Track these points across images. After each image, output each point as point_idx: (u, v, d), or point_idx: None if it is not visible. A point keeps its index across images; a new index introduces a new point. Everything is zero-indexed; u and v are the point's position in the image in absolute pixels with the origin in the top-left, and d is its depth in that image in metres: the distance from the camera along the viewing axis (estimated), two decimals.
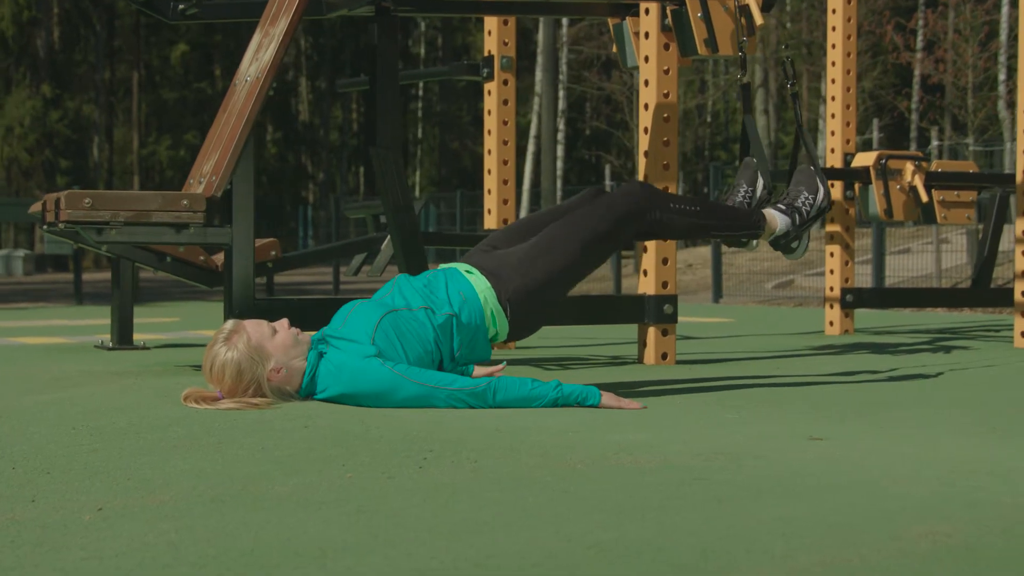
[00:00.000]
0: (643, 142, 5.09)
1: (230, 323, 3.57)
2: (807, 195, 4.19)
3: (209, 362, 3.51)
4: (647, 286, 5.09)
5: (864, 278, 13.10)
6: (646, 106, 5.08)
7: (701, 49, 4.84)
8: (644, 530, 2.01)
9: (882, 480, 2.42)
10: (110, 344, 5.33)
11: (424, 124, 46.81)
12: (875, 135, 17.61)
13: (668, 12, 4.96)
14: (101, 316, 9.51)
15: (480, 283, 3.70)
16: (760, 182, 4.34)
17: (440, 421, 3.26)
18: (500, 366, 4.01)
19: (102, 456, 2.79)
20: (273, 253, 5.76)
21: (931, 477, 2.45)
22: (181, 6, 5.06)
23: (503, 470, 2.59)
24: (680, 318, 9.59)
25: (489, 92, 6.12)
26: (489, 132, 6.14)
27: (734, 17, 4.82)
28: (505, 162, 6.12)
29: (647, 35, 5.07)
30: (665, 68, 5.05)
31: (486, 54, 6.14)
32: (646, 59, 5.09)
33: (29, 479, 2.55)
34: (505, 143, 6.12)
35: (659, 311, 5.05)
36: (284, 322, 3.60)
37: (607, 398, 3.58)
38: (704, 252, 19.58)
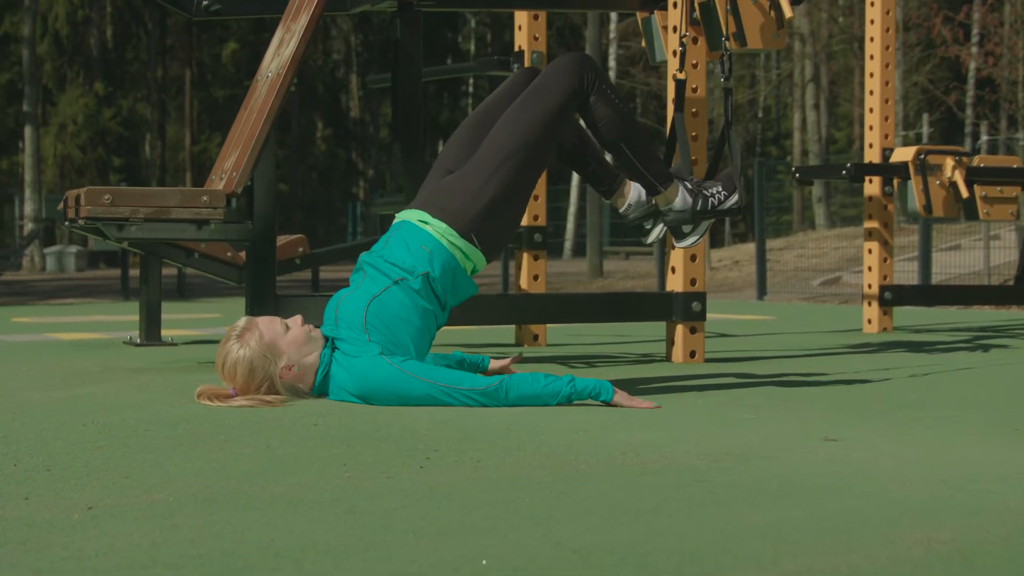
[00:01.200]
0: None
1: (243, 320, 3.56)
2: (720, 190, 3.99)
3: (221, 359, 3.50)
4: (675, 283, 5.03)
5: (911, 275, 12.95)
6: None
7: (730, 43, 4.76)
8: (633, 534, 1.97)
9: (888, 483, 2.36)
10: (138, 340, 5.35)
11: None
12: (925, 130, 17.39)
13: (696, 6, 4.90)
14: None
15: (437, 227, 3.60)
16: (734, 198, 4.10)
17: (450, 420, 3.23)
18: (513, 358, 3.97)
19: (105, 454, 2.78)
20: (300, 250, 5.76)
21: (939, 480, 2.39)
22: (204, 2, 5.05)
23: (504, 470, 2.55)
24: (719, 315, 9.56)
25: None
26: None
27: (762, 10, 4.75)
28: None
29: (675, 29, 5.01)
30: (694, 62, 4.99)
31: (516, 49, 6.09)
32: (674, 54, 5.03)
33: (28, 476, 2.54)
34: None
35: (687, 308, 5.00)
36: (298, 319, 3.58)
37: (620, 396, 3.52)
38: (750, 249, 19.43)
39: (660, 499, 2.23)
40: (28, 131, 29.81)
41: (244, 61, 40.45)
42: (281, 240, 5.82)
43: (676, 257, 5.02)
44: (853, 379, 4.43)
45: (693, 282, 5.02)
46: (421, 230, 3.62)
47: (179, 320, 8.31)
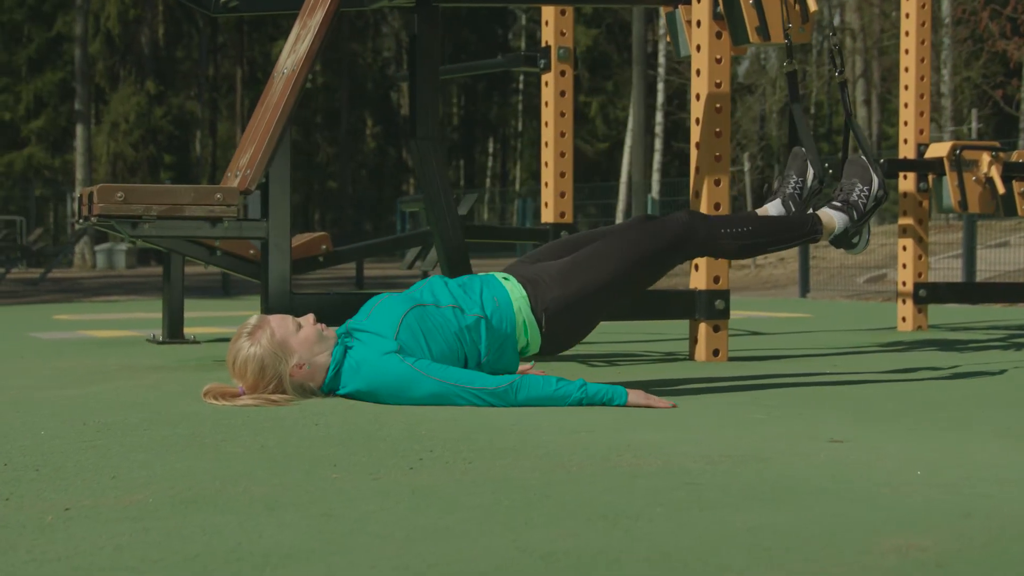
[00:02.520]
0: (695, 133, 4.96)
1: (255, 318, 3.54)
2: (861, 187, 4.05)
3: (232, 357, 3.48)
4: (698, 281, 4.97)
5: (955, 272, 12.78)
6: (698, 96, 4.95)
7: (752, 37, 4.71)
8: (608, 539, 1.92)
9: (883, 487, 2.30)
10: (160, 338, 5.35)
11: (524, 118, 46.78)
12: (974, 125, 17.16)
13: (720, 0, 4.83)
14: (187, 309, 9.58)
15: (516, 291, 3.63)
16: (811, 172, 4.21)
17: (454, 419, 3.19)
18: (529, 364, 3.93)
19: (98, 453, 2.76)
20: (324, 247, 5.73)
21: (938, 483, 2.32)
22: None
23: (493, 472, 2.51)
24: (756, 313, 9.46)
25: (546, 83, 6.03)
26: (546, 124, 6.04)
27: (788, 4, 4.68)
28: (562, 154, 6.02)
29: (699, 23, 4.94)
30: (717, 57, 4.92)
31: (543, 44, 6.04)
32: (698, 48, 4.96)
33: (15, 476, 2.52)
34: (562, 135, 6.03)
35: (710, 306, 4.93)
36: (310, 317, 3.56)
37: (635, 396, 3.48)
38: None
39: (645, 503, 2.18)
40: (80, 129, 30.09)
41: None
42: (304, 238, 5.80)
43: None
44: (875, 379, 4.35)
45: (716, 279, 4.95)
46: (500, 284, 3.65)
47: (213, 318, 8.32)
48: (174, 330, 5.28)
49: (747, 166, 20.37)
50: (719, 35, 4.91)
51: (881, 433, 3.02)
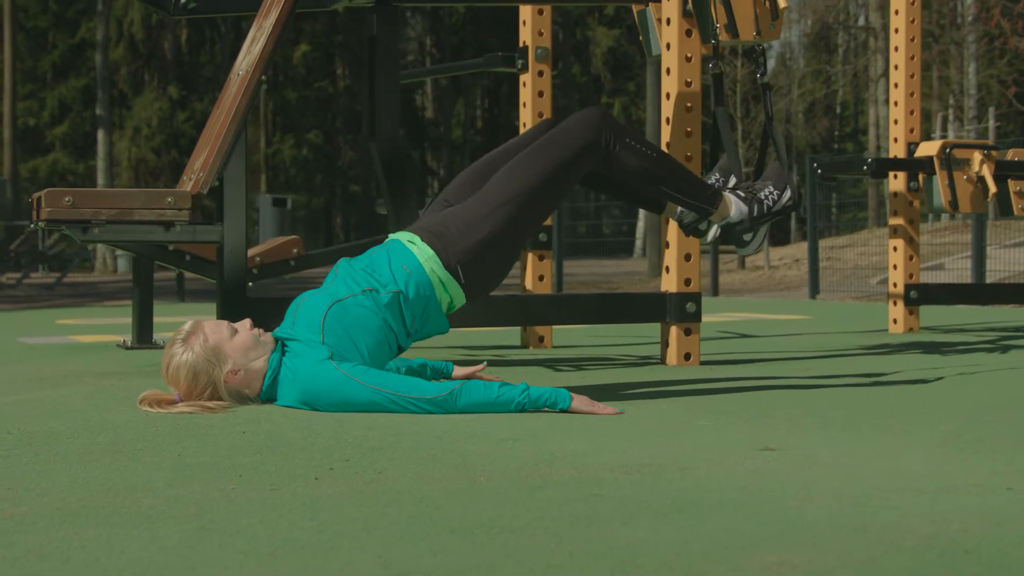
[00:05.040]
0: (665, 132, 4.87)
1: (189, 323, 3.47)
2: (772, 189, 3.87)
3: (166, 363, 3.42)
4: (669, 283, 4.87)
5: (965, 273, 12.63)
6: (668, 95, 4.86)
7: (722, 35, 4.61)
8: (475, 555, 1.84)
9: (792, 499, 2.21)
10: (129, 343, 5.30)
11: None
12: (991, 124, 16.98)
13: None
14: (191, 313, 9.55)
15: (423, 252, 3.49)
16: (732, 177, 4.04)
17: (386, 426, 3.12)
18: (480, 366, 3.85)
19: (7, 463, 2.69)
20: (295, 251, 5.68)
21: (850, 495, 2.23)
22: (182, 1, 4.98)
23: (397, 482, 2.43)
24: (755, 315, 9.35)
25: (524, 84, 5.94)
26: (524, 125, 5.96)
27: (756, 1, 4.58)
28: None
29: (668, 21, 4.85)
30: (687, 55, 4.83)
31: (521, 44, 5.96)
32: (668, 46, 4.87)
33: None
34: None
35: (681, 309, 4.83)
36: (246, 322, 3.49)
37: (578, 402, 3.39)
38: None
39: (536, 516, 2.10)
40: (101, 135, 30.23)
41: (315, 63, 40.70)
42: (275, 241, 5.74)
43: (670, 256, 4.85)
44: (843, 383, 4.26)
45: (688, 282, 4.86)
46: (407, 250, 3.52)
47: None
48: (143, 335, 5.23)
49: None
50: (689, 33, 4.82)
51: (821, 441, 2.93)
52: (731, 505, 2.16)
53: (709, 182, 3.92)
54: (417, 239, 3.53)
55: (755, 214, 3.77)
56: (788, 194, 3.82)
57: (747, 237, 3.80)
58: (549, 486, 2.37)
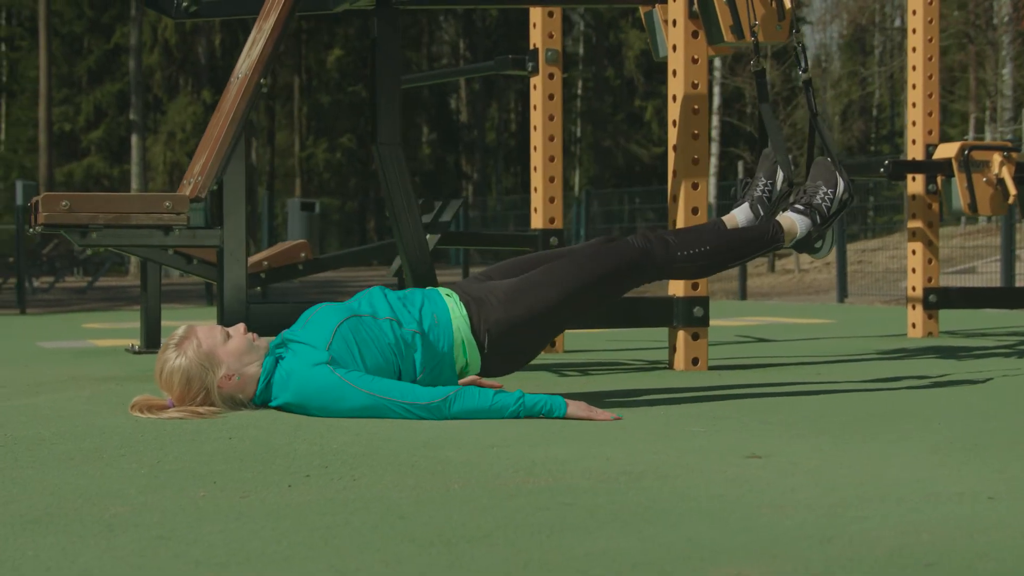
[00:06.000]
0: (672, 135, 4.82)
1: (182, 328, 3.46)
2: (826, 190, 3.90)
3: (159, 369, 3.40)
4: (676, 287, 4.82)
5: (997, 277, 12.49)
6: (674, 97, 4.81)
7: (727, 36, 4.56)
8: (427, 566, 1.80)
9: (766, 507, 2.16)
10: (137, 348, 5.30)
11: (582, 122, 46.65)
12: None
13: None
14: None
15: (456, 309, 3.52)
16: (780, 175, 4.07)
17: (374, 432, 3.09)
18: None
19: None
20: (303, 255, 5.66)
21: (825, 504, 2.18)
22: (184, 3, 4.97)
23: (373, 490, 2.40)
24: (778, 319, 9.27)
25: (535, 87, 5.90)
26: (535, 128, 5.92)
27: (763, 1, 4.53)
28: (552, 158, 5.89)
29: (675, 23, 4.80)
30: (694, 57, 4.78)
31: (531, 47, 5.92)
32: (674, 48, 4.82)
33: None
34: (551, 139, 5.90)
35: (689, 314, 4.78)
36: (240, 327, 3.47)
37: (575, 408, 3.36)
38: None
39: (500, 525, 2.06)
40: (135, 139, 30.38)
41: (349, 67, 40.79)
42: (283, 246, 5.73)
43: None
44: (848, 388, 4.19)
45: (695, 286, 4.80)
46: (442, 301, 3.55)
47: None
48: (151, 339, 5.22)
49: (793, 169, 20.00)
50: (695, 35, 4.77)
51: (810, 448, 2.88)
52: (702, 514, 2.12)
53: (756, 191, 3.94)
54: (455, 296, 3.56)
55: (818, 222, 3.85)
56: (842, 187, 3.87)
57: (818, 244, 3.86)
58: (522, 494, 2.33)
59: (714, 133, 31.64)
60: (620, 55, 44.10)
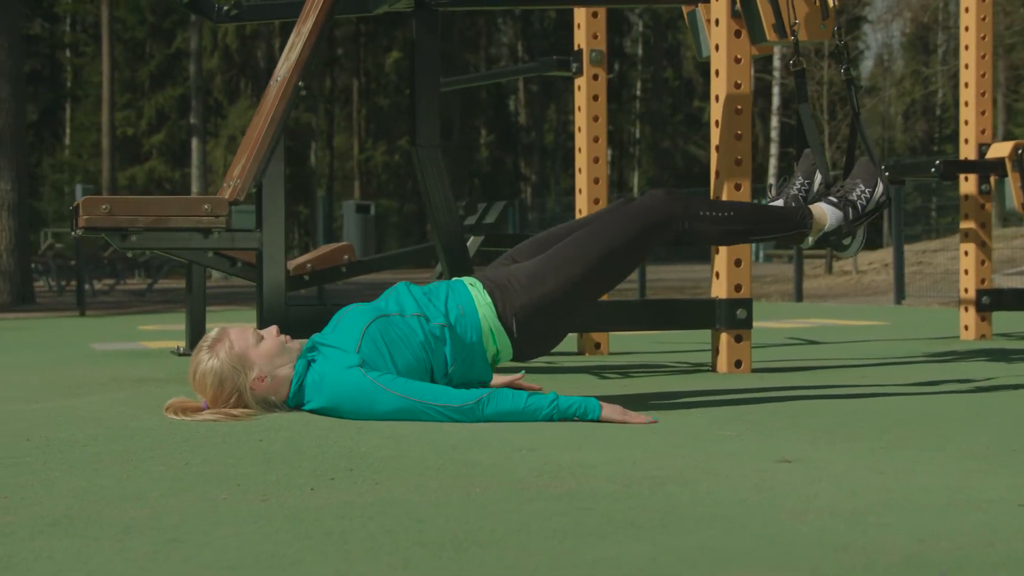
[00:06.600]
0: (714, 136, 4.78)
1: (215, 330, 3.47)
2: (864, 188, 3.83)
3: (192, 371, 3.41)
4: (719, 289, 4.78)
5: None
6: (717, 97, 4.77)
7: (769, 35, 4.52)
8: (433, 571, 1.79)
9: (784, 514, 2.13)
10: (182, 350, 5.32)
11: (640, 123, 46.53)
12: None
13: None
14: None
15: (481, 298, 3.50)
16: (818, 176, 4.00)
17: (406, 435, 3.07)
18: (519, 375, 3.80)
19: (15, 472, 2.69)
20: (346, 257, 5.67)
21: (847, 510, 2.15)
22: (225, 7, 4.99)
23: (393, 494, 2.39)
24: (831, 321, 9.18)
25: (579, 88, 5.88)
26: (579, 129, 5.89)
27: (808, 0, 4.48)
28: (596, 160, 5.86)
29: (717, 22, 4.76)
30: (736, 57, 4.73)
31: (576, 48, 5.90)
32: (716, 47, 4.78)
33: None
34: (596, 140, 5.87)
35: (732, 316, 4.73)
36: (272, 329, 3.48)
37: (609, 411, 3.33)
38: (905, 251, 18.73)
39: (514, 529, 2.04)
40: (195, 143, 30.67)
41: (407, 70, 40.90)
42: (327, 248, 5.74)
43: (720, 262, 4.76)
44: (893, 392, 4.13)
45: (738, 288, 4.76)
46: (467, 292, 3.53)
47: None
48: (196, 341, 5.23)
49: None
50: (738, 34, 4.73)
51: (841, 452, 2.83)
52: (719, 520, 2.09)
53: (793, 189, 3.87)
54: (479, 285, 3.54)
55: (851, 218, 3.74)
56: (880, 189, 3.78)
57: (846, 242, 3.75)
58: (542, 499, 2.31)
59: (773, 134, 31.42)
60: (679, 56, 43.95)
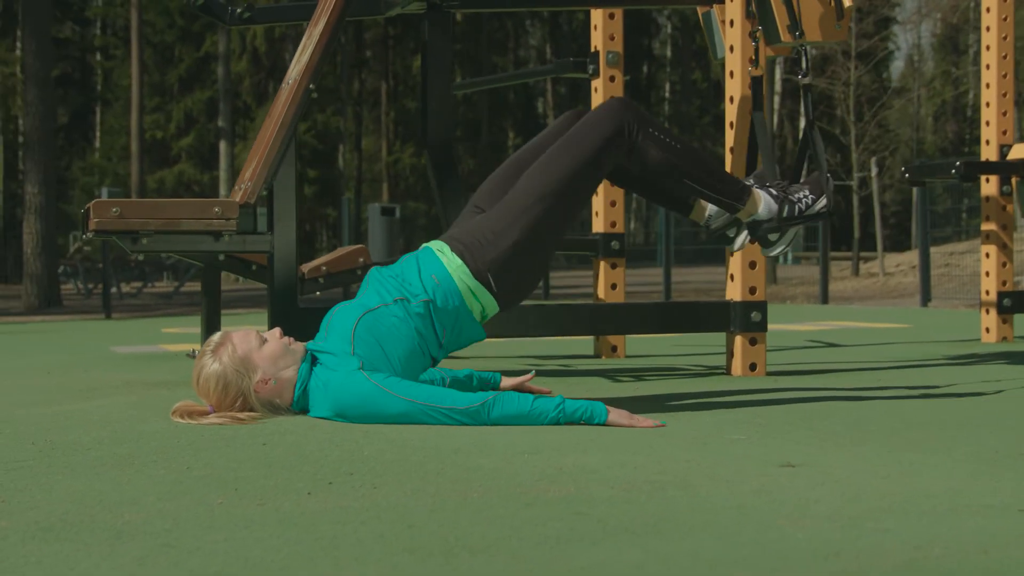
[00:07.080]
0: (728, 137, 4.75)
1: (218, 334, 3.47)
2: (807, 193, 3.72)
3: (196, 375, 3.41)
4: (734, 292, 4.75)
5: None
6: (731, 99, 4.74)
7: (784, 36, 4.48)
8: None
9: (782, 519, 2.10)
10: (194, 353, 5.31)
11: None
12: None
13: None
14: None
15: (452, 262, 3.44)
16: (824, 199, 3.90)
17: (411, 439, 3.05)
18: (528, 376, 3.78)
19: (17, 476, 2.69)
20: (361, 259, 5.66)
21: (846, 515, 2.12)
22: (239, 10, 4.99)
23: (390, 498, 2.37)
24: (853, 323, 9.12)
25: (596, 89, 5.86)
26: None
27: (823, 1, 4.44)
28: None
29: (732, 23, 4.73)
30: (752, 58, 4.70)
31: (592, 50, 5.87)
32: (731, 49, 4.75)
33: None
34: None
35: (746, 319, 4.70)
36: (276, 331, 3.47)
37: (616, 415, 3.31)
38: (931, 253, 18.62)
39: (506, 535, 2.02)
40: (223, 146, 30.79)
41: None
42: (342, 251, 5.73)
43: (735, 264, 4.73)
44: (907, 395, 4.10)
45: (753, 290, 4.73)
46: (437, 259, 3.48)
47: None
48: None
49: (873, 171, 19.63)
50: (753, 35, 4.69)
51: (848, 456, 2.80)
52: (715, 526, 2.06)
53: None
54: (447, 248, 3.48)
55: (784, 214, 3.64)
56: (823, 201, 3.68)
57: (773, 237, 3.65)
58: (539, 504, 2.29)
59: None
60: (706, 58, 43.82)
